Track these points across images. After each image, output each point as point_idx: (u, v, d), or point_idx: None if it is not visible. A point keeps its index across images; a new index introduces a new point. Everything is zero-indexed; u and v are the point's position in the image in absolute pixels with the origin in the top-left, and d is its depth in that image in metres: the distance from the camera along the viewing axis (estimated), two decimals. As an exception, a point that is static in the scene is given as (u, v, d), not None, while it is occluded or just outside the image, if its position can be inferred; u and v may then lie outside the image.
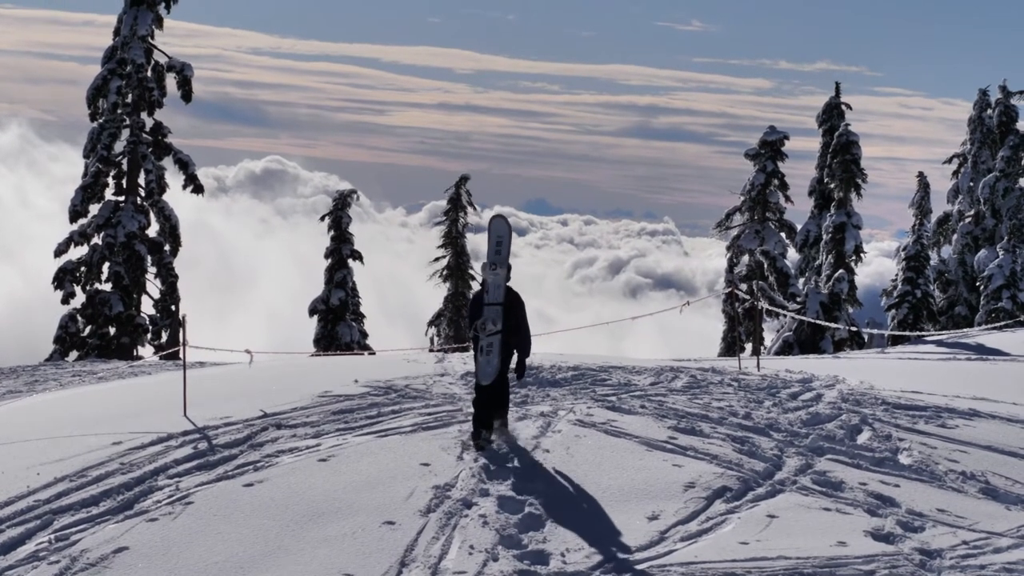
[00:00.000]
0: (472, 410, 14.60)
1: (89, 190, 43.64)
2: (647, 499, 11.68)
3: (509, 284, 14.47)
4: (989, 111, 58.78)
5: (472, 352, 15.27)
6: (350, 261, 48.34)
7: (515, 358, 14.54)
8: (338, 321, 47.66)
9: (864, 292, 53.03)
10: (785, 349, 47.39)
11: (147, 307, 44.64)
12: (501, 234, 14.73)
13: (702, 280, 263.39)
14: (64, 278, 43.39)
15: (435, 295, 57.84)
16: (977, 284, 53.73)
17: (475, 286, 49.87)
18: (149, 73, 44.73)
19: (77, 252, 43.80)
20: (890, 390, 19.24)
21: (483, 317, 14.32)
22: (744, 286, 50.94)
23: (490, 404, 14.36)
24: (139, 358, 41.96)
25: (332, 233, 48.39)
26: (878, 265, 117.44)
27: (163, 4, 45.06)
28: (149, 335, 44.15)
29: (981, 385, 21.33)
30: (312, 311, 48.03)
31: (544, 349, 23.50)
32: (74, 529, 10.75)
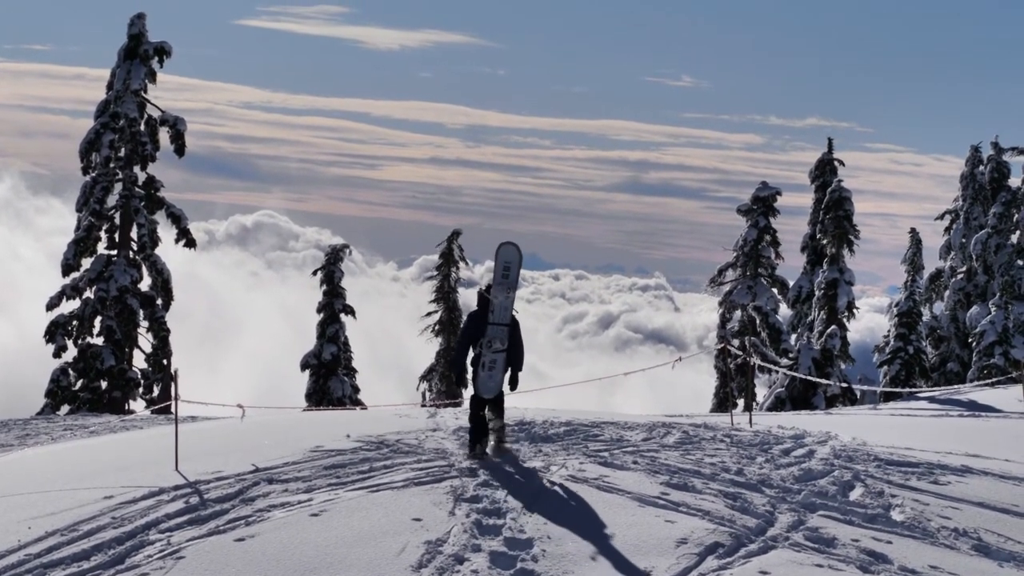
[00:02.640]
0: (469, 425, 16.24)
1: (81, 244, 43.71)
2: (639, 555, 11.65)
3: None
4: (981, 167, 59.04)
5: (452, 370, 16.76)
6: (342, 316, 48.39)
7: (509, 372, 16.17)
8: (330, 376, 47.65)
9: (856, 348, 53.14)
10: (777, 405, 47.37)
11: (139, 361, 44.64)
12: (510, 260, 16.06)
13: (692, 335, 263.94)
14: (56, 332, 43.39)
15: (426, 349, 57.86)
16: (969, 340, 53.81)
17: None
18: (142, 127, 44.92)
19: (69, 306, 43.84)
20: (882, 446, 19.23)
21: (489, 336, 15.83)
22: (736, 341, 50.98)
23: (492, 413, 16.03)
24: (131, 412, 41.93)
25: (324, 288, 48.48)
26: (869, 321, 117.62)
27: (156, 58, 45.26)
28: (141, 389, 44.13)
29: (973, 442, 21.32)
30: (304, 366, 48.02)
31: (536, 404, 23.48)
32: (65, 584, 10.72)
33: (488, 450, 16.09)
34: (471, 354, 16.15)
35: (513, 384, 16.25)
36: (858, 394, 49.12)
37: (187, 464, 15.18)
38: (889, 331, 54.11)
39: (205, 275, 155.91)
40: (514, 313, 16.12)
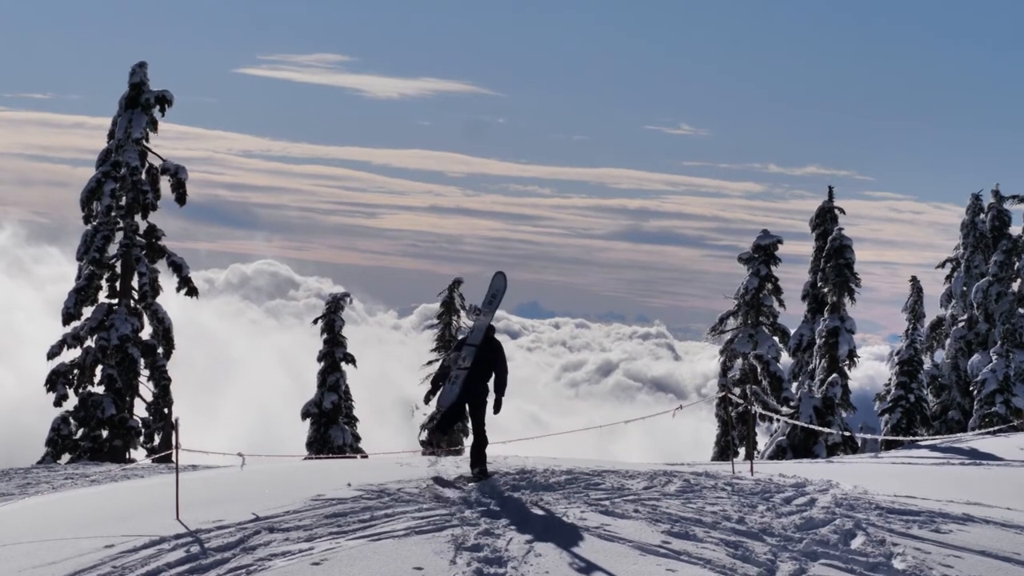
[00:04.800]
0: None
1: (82, 292, 43.73)
2: (641, 604, 11.62)
3: (498, 336, 17.78)
4: (982, 215, 59.11)
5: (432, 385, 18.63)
6: (343, 364, 48.32)
7: (493, 396, 17.61)
8: (331, 424, 47.56)
9: (856, 396, 53.02)
10: (779, 453, 47.31)
11: (140, 410, 44.58)
12: (497, 289, 17.92)
13: (692, 383, 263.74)
14: (57, 380, 43.36)
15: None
16: (970, 389, 53.74)
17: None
18: (143, 176, 44.96)
19: (70, 354, 43.81)
20: (884, 495, 19.20)
21: (463, 354, 17.53)
22: (737, 390, 50.95)
23: (473, 458, 17.91)
24: (131, 461, 41.81)
25: (325, 336, 48.42)
26: (870, 369, 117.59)
27: (157, 107, 45.38)
28: (141, 438, 44.05)
29: (975, 490, 21.29)
30: (305, 414, 47.94)
31: (537, 453, 23.45)
32: (65, 633, 10.69)
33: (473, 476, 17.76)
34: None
35: (496, 407, 17.52)
36: (859, 442, 49.06)
37: (188, 513, 15.16)
38: (890, 379, 54.07)
39: (206, 323, 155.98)
40: (499, 340, 17.70)
